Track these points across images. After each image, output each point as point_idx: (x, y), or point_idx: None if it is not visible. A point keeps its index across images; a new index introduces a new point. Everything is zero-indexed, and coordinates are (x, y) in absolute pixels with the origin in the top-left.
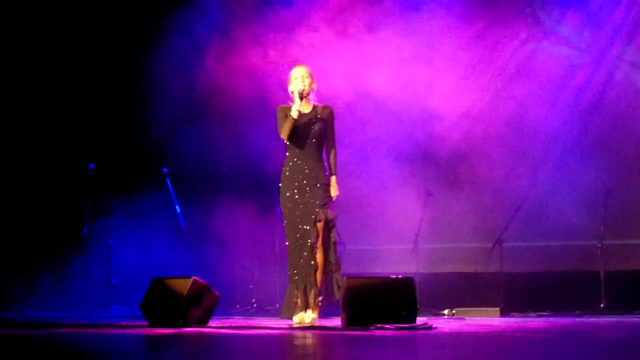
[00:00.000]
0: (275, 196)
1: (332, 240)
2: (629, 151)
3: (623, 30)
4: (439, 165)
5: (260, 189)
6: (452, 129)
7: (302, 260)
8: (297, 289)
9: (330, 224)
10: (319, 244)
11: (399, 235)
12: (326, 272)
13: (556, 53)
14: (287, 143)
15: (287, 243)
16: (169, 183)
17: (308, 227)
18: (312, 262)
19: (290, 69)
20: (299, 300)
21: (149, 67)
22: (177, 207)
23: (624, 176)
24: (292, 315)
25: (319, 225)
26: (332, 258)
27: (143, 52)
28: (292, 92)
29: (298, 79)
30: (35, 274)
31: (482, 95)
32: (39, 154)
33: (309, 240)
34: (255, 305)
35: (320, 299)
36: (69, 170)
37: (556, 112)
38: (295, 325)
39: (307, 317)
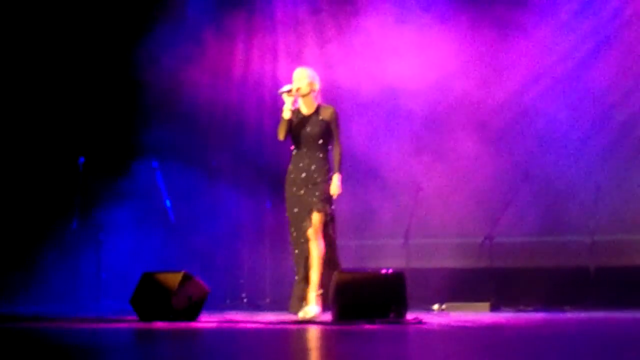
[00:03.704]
0: (266, 191)
1: (330, 235)
2: (620, 146)
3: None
4: (429, 160)
5: (251, 184)
6: (442, 123)
7: (304, 255)
8: (301, 283)
9: (327, 219)
10: (315, 236)
11: (389, 231)
12: (329, 268)
13: (546, 42)
14: (293, 143)
15: (291, 240)
16: (159, 177)
17: (306, 220)
18: (309, 255)
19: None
20: (304, 294)
21: (140, 60)
22: (167, 201)
23: (614, 172)
24: (299, 310)
25: (316, 215)
26: (332, 255)
27: (133, 45)
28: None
29: (295, 80)
30: (25, 269)
31: (473, 87)
32: (28, 149)
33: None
34: (245, 300)
35: (321, 292)
36: (59, 164)
37: (546, 107)
38: (299, 319)
39: (310, 310)
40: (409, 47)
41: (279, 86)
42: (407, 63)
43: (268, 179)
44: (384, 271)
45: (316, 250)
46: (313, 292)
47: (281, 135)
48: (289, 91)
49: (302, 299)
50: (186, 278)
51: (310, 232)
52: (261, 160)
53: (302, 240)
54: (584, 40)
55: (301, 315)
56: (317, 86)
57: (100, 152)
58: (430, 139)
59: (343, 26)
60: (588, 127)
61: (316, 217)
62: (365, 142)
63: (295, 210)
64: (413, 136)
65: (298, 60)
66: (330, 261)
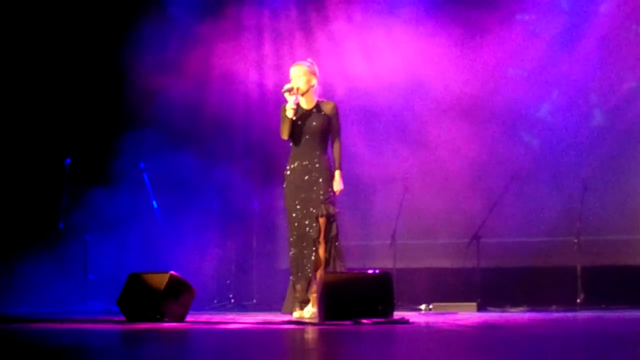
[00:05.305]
0: (252, 191)
1: (332, 234)
2: (607, 147)
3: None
4: (415, 160)
5: (237, 184)
6: (428, 124)
7: (304, 256)
8: (298, 284)
9: (331, 219)
10: (321, 239)
11: (377, 231)
12: (327, 266)
13: (516, 42)
14: (291, 141)
15: (290, 239)
16: (145, 178)
17: (310, 222)
18: (313, 258)
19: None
20: (299, 295)
21: (127, 61)
22: (153, 202)
23: (601, 172)
24: (293, 310)
25: (321, 220)
26: (332, 253)
27: (119, 45)
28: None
29: (293, 79)
30: (11, 269)
31: (462, 89)
32: (14, 148)
33: (311, 236)
34: (232, 300)
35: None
36: (45, 164)
37: (536, 107)
38: (294, 320)
39: (307, 312)
40: (381, 49)
41: (264, 86)
42: (379, 64)
43: (255, 179)
44: (370, 271)
45: (322, 252)
46: (314, 294)
47: (285, 135)
48: (290, 90)
49: (302, 301)
50: (173, 279)
51: (316, 237)
52: (248, 160)
53: (305, 244)
54: (558, 38)
55: (296, 315)
56: (315, 81)
57: (87, 152)
58: (416, 139)
59: (314, 30)
60: (574, 127)
61: (322, 221)
62: (348, 143)
63: (297, 213)
64: (397, 136)
65: (272, 62)
66: (330, 259)
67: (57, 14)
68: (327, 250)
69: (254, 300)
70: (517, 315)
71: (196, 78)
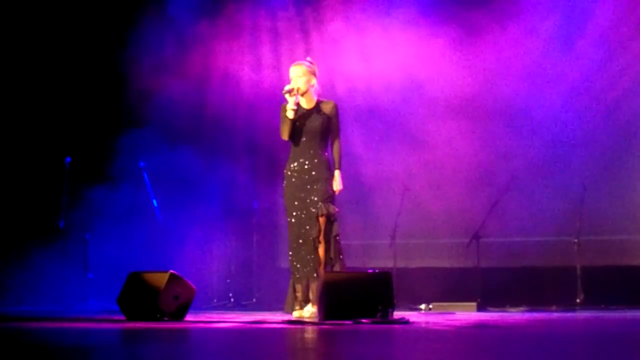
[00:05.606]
0: (252, 190)
1: (333, 234)
2: (606, 147)
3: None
4: (415, 160)
5: (238, 183)
6: (428, 124)
7: (304, 255)
8: (299, 284)
9: (332, 219)
10: (321, 238)
11: (377, 230)
12: (326, 266)
13: (536, 44)
14: (292, 139)
15: (290, 238)
16: (145, 177)
17: (310, 222)
18: (314, 257)
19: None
20: (299, 294)
21: (126, 60)
22: (154, 200)
23: (600, 172)
24: (293, 310)
25: (321, 220)
26: (331, 253)
27: (119, 45)
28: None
29: (293, 79)
30: (11, 268)
31: (461, 89)
32: (15, 147)
33: (311, 235)
34: (232, 299)
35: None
36: (46, 163)
37: (536, 107)
38: (294, 319)
39: (307, 311)
40: (380, 49)
41: (264, 85)
42: (379, 64)
43: (256, 177)
44: (370, 271)
45: (322, 252)
46: (314, 293)
47: (285, 135)
48: (291, 91)
49: (302, 301)
50: (173, 278)
51: (316, 237)
52: (249, 159)
53: (305, 244)
54: (557, 38)
55: (296, 315)
56: (314, 80)
57: (87, 151)
58: (416, 139)
59: (313, 30)
60: (573, 127)
61: (322, 221)
62: (348, 143)
63: (297, 213)
64: (397, 136)
65: (272, 61)
66: (330, 259)
67: (57, 13)
68: (328, 250)
69: (254, 300)
70: (517, 315)
71: (196, 77)
